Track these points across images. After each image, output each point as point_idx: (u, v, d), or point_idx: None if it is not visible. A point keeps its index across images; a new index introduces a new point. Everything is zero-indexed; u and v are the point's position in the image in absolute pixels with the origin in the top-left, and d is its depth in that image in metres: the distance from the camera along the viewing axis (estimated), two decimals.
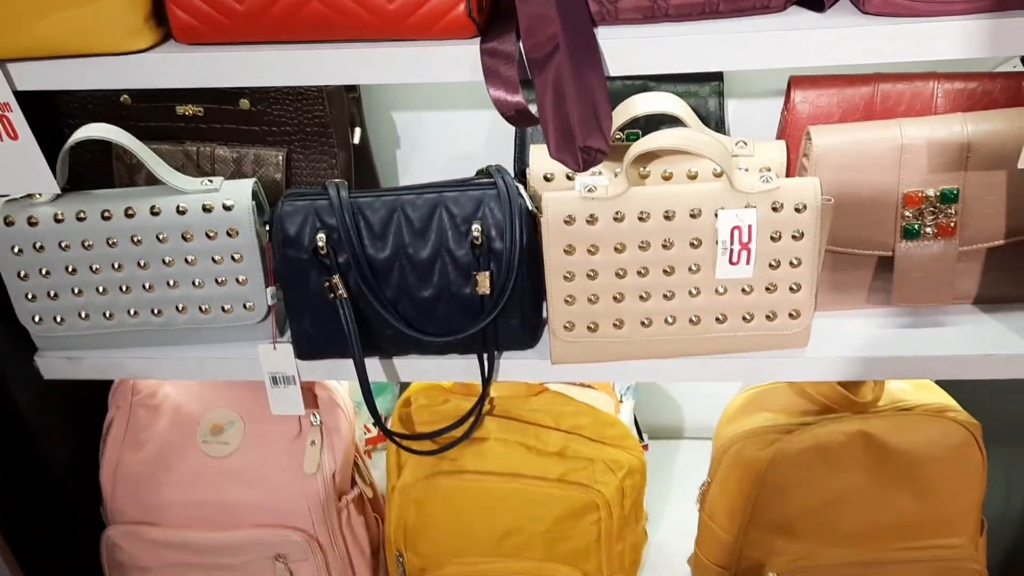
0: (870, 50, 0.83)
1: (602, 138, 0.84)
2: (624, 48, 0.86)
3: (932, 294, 1.04)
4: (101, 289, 1.06)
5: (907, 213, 1.00)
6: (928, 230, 1.00)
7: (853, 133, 0.99)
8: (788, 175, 1.04)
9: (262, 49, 0.88)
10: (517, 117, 0.87)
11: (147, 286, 1.06)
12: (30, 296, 1.07)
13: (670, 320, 1.02)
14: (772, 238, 0.97)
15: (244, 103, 1.09)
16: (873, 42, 0.83)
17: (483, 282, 1.01)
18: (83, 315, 1.08)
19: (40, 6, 0.85)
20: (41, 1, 0.85)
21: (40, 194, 1.03)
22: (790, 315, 1.01)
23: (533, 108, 0.86)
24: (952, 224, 1.00)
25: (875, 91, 1.03)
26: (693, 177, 1.03)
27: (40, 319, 1.08)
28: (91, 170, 1.15)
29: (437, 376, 1.11)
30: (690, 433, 1.61)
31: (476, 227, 1.00)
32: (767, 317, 1.01)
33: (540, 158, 1.06)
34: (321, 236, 0.99)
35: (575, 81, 0.83)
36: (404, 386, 1.31)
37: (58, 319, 1.08)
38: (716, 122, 1.14)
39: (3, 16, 0.85)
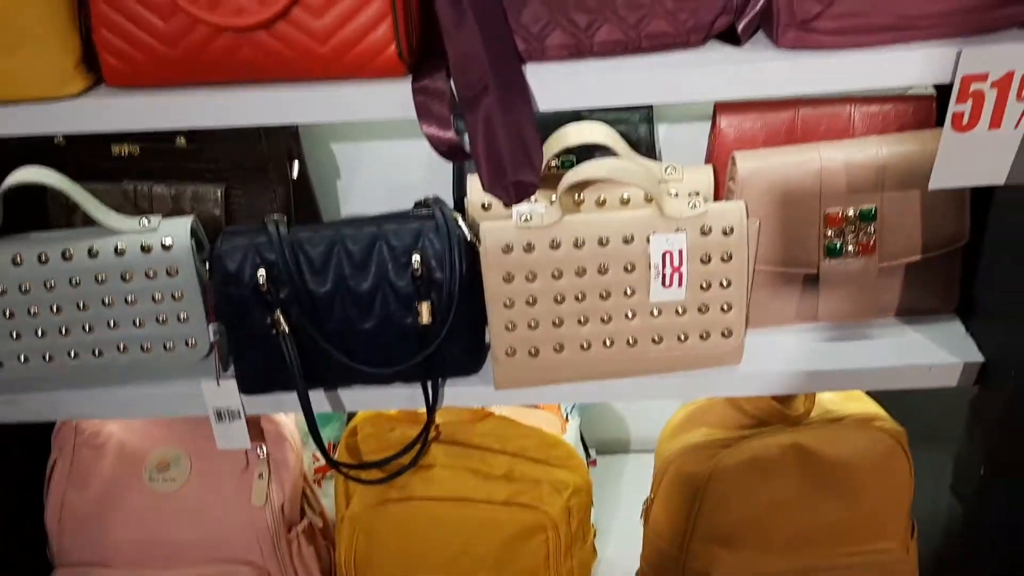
0: (785, 82, 0.87)
1: (533, 172, 0.87)
2: (552, 84, 0.88)
3: (856, 308, 1.09)
4: (40, 332, 1.06)
5: (829, 232, 1.04)
6: (850, 248, 1.05)
7: (775, 157, 1.03)
8: (717, 198, 1.08)
9: (195, 92, 0.89)
10: (450, 153, 0.89)
11: (87, 327, 1.06)
12: None
13: (608, 343, 1.04)
14: (702, 261, 1.00)
15: (180, 141, 1.09)
16: (788, 75, 0.87)
17: (424, 312, 1.03)
18: (22, 358, 1.07)
19: None
20: None
21: None
22: (723, 334, 1.04)
23: (467, 140, 0.88)
24: (872, 241, 1.04)
25: (796, 115, 1.07)
26: (626, 202, 1.06)
27: None
28: (26, 210, 1.13)
29: (382, 405, 1.13)
30: (636, 446, 1.64)
31: (416, 258, 1.01)
32: (701, 336, 1.04)
33: (478, 188, 1.08)
34: (261, 272, 1.00)
35: (505, 118, 0.85)
36: (351, 413, 1.32)
37: None
38: (647, 147, 1.17)
39: None
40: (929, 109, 1.06)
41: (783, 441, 1.11)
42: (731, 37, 0.90)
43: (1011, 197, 1.00)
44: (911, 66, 0.86)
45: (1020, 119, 0.88)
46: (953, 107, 0.87)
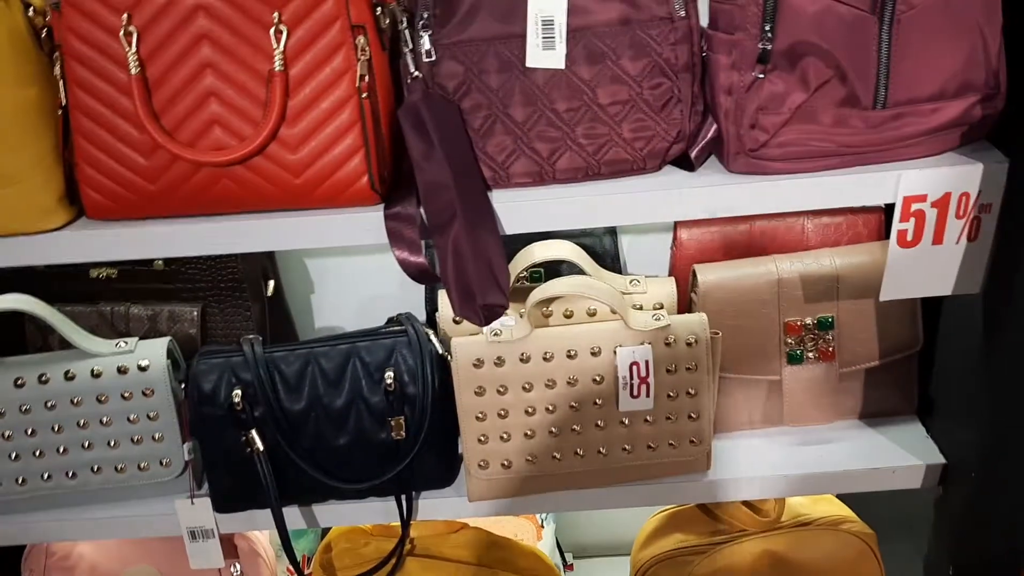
0: (736, 204, 0.92)
1: (500, 294, 0.90)
2: (517, 209, 0.93)
3: (819, 414, 1.12)
4: (13, 456, 1.06)
5: (789, 340, 1.08)
6: (810, 355, 1.09)
7: (734, 270, 1.07)
8: (680, 308, 1.11)
9: (173, 223, 0.92)
10: (420, 276, 0.92)
11: (61, 449, 1.06)
12: None
13: (580, 453, 1.06)
14: (668, 371, 1.03)
15: (158, 264, 1.12)
16: (738, 198, 0.92)
17: (398, 427, 1.04)
18: None
19: None
20: None
21: None
22: (691, 441, 1.07)
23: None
24: (831, 348, 1.08)
25: (752, 227, 1.12)
26: (593, 314, 1.09)
27: None
28: (3, 331, 1.15)
29: (357, 520, 1.13)
30: (614, 549, 1.64)
31: (389, 374, 1.04)
32: (670, 445, 1.06)
33: (448, 303, 1.11)
34: (237, 392, 1.01)
35: (472, 243, 0.89)
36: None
37: None
38: (612, 258, 1.22)
39: None
40: (878, 220, 1.12)
41: (755, 548, 1.12)
42: (685, 163, 0.95)
43: (959, 305, 1.04)
44: (855, 189, 0.91)
45: (961, 234, 0.94)
46: (897, 225, 0.92)
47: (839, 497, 1.23)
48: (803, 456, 1.10)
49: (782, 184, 0.91)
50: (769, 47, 0.86)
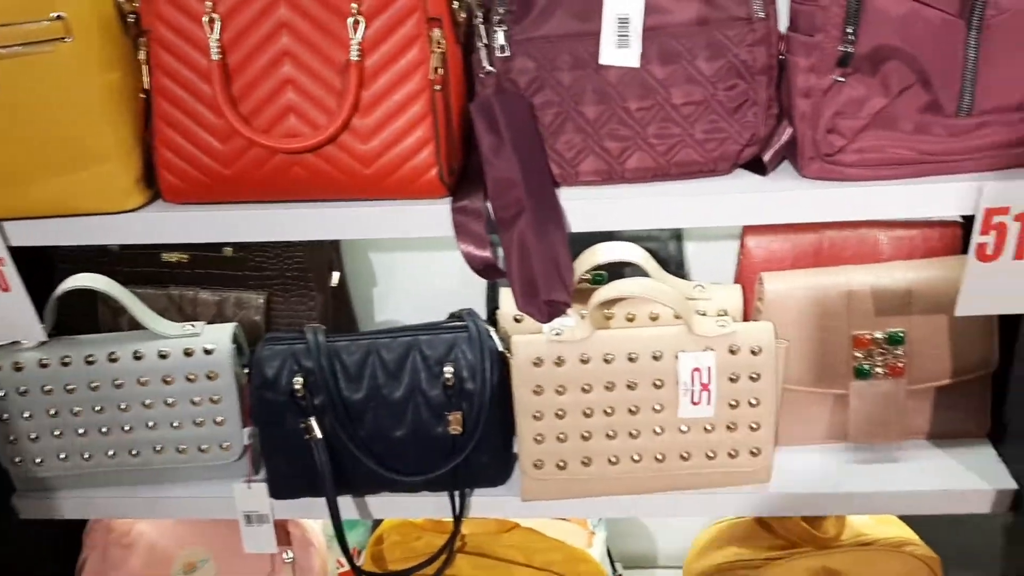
0: (809, 211, 0.90)
1: (564, 291, 0.90)
2: (584, 207, 0.92)
3: (886, 431, 1.08)
4: (81, 431, 1.09)
5: (858, 354, 1.05)
6: (879, 370, 1.06)
7: (803, 279, 1.05)
8: (745, 317, 1.09)
9: (245, 208, 0.94)
10: (484, 270, 0.92)
11: (126, 428, 1.09)
12: (11, 438, 1.09)
13: (636, 458, 1.05)
14: (731, 379, 1.01)
15: (228, 251, 1.14)
16: (811, 204, 0.90)
17: (455, 422, 1.04)
18: (62, 456, 1.10)
19: (37, 172, 0.91)
20: (38, 167, 0.90)
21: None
22: (751, 452, 1.05)
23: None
24: (901, 364, 1.05)
25: (823, 238, 1.10)
26: (655, 318, 1.08)
27: (20, 460, 1.10)
28: (77, 311, 1.18)
29: (409, 513, 1.13)
30: (663, 562, 1.61)
31: (448, 369, 1.04)
32: (729, 455, 1.05)
33: (510, 300, 1.11)
34: (298, 379, 1.03)
35: (538, 239, 0.89)
36: (377, 519, 1.32)
37: (37, 460, 1.10)
38: (676, 264, 1.20)
39: (2, 181, 0.90)
40: (955, 235, 1.08)
41: (812, 565, 1.10)
42: (757, 167, 0.94)
43: None
44: (934, 198, 0.88)
45: None
46: (977, 238, 0.89)
47: (903, 519, 1.19)
48: (867, 474, 1.07)
49: (857, 191, 0.89)
50: (850, 50, 0.84)
